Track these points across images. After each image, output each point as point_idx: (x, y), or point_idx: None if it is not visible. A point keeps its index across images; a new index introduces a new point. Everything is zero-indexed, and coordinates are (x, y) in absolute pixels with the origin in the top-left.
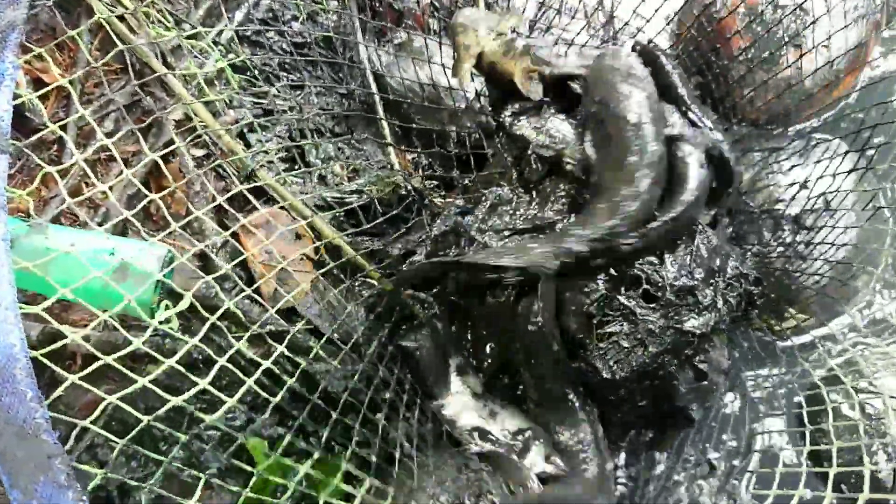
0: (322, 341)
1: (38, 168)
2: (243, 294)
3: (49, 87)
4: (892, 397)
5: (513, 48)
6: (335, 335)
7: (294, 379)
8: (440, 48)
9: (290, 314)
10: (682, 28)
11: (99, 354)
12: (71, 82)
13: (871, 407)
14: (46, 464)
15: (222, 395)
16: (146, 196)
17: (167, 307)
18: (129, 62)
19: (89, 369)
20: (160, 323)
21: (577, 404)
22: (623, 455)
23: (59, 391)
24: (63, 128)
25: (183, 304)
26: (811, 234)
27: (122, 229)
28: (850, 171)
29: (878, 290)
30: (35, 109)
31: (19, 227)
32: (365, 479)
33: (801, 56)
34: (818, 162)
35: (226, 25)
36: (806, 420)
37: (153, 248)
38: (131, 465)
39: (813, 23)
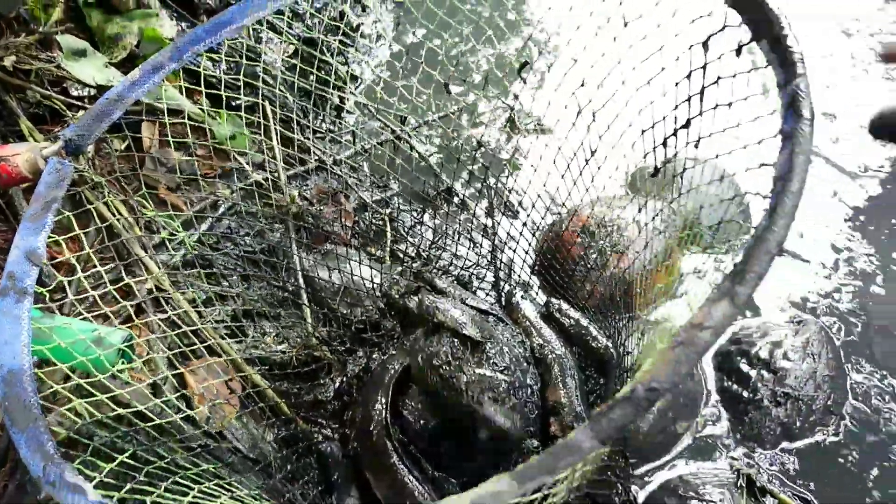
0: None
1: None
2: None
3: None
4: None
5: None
6: (251, 454)
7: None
8: (355, 256)
9: (219, 435)
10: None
11: None
12: (77, 259)
13: None
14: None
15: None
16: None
17: (123, 363)
18: (116, 253)
19: None
20: (117, 370)
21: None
22: None
23: None
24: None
25: (136, 364)
26: None
27: None
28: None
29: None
30: (48, 273)
31: (35, 311)
32: None
33: (620, 256)
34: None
35: (194, 231)
36: None
37: (120, 331)
38: None
39: (628, 246)
